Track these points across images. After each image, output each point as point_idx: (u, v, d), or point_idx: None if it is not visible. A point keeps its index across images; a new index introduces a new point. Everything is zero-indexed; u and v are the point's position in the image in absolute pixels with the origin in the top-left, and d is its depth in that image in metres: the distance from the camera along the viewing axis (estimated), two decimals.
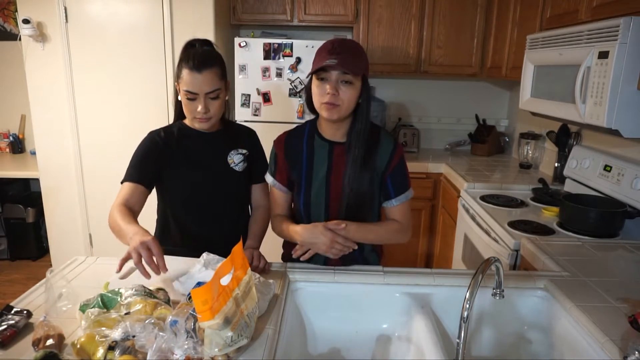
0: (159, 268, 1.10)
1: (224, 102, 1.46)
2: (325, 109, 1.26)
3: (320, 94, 1.26)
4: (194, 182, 1.51)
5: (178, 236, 1.56)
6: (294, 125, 1.49)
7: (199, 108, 1.38)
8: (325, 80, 1.24)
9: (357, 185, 1.32)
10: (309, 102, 1.34)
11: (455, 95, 3.55)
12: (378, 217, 1.46)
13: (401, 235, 1.41)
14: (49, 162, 3.03)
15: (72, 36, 2.83)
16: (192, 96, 1.38)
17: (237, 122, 1.88)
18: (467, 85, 3.52)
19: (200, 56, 1.37)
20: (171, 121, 1.61)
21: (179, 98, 1.46)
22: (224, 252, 1.36)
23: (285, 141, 1.42)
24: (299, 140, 1.40)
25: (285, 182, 1.43)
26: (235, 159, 1.53)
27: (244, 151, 1.55)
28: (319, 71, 1.24)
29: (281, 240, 1.57)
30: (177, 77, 1.42)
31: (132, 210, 1.38)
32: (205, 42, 1.47)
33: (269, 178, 1.46)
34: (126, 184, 1.43)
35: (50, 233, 3.17)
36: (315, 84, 1.27)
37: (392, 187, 1.37)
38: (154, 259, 1.09)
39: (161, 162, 1.47)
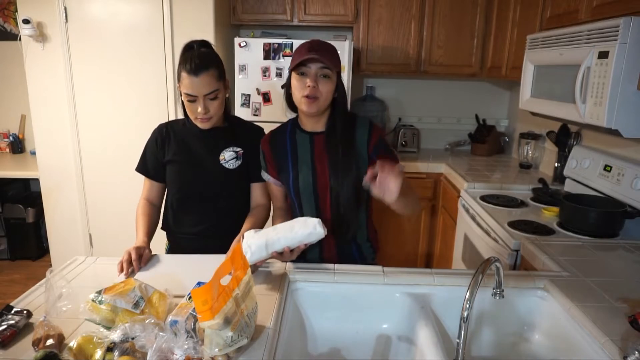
0: (134, 268, 1.31)
1: (223, 101, 1.50)
2: (305, 102, 1.33)
3: (300, 88, 1.33)
4: (186, 177, 1.55)
5: (175, 228, 1.61)
6: None
7: (199, 109, 1.43)
8: (305, 74, 1.32)
9: (341, 169, 1.37)
10: (289, 99, 1.41)
11: (455, 95, 3.55)
12: (367, 202, 1.49)
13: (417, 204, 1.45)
14: (49, 162, 3.03)
15: (72, 36, 2.83)
16: (192, 98, 1.43)
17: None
18: (467, 85, 3.51)
19: (197, 59, 1.40)
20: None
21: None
22: (217, 246, 1.39)
23: (270, 139, 1.50)
24: (283, 136, 1.48)
25: (277, 176, 1.49)
26: (227, 156, 1.54)
27: (238, 149, 1.56)
28: (299, 66, 1.32)
29: None
30: (178, 79, 1.46)
31: (153, 204, 1.61)
32: (203, 44, 1.50)
33: (263, 174, 1.53)
34: (145, 179, 1.61)
35: (50, 233, 3.17)
36: (295, 79, 1.35)
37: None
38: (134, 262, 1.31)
39: (160, 157, 1.57)
